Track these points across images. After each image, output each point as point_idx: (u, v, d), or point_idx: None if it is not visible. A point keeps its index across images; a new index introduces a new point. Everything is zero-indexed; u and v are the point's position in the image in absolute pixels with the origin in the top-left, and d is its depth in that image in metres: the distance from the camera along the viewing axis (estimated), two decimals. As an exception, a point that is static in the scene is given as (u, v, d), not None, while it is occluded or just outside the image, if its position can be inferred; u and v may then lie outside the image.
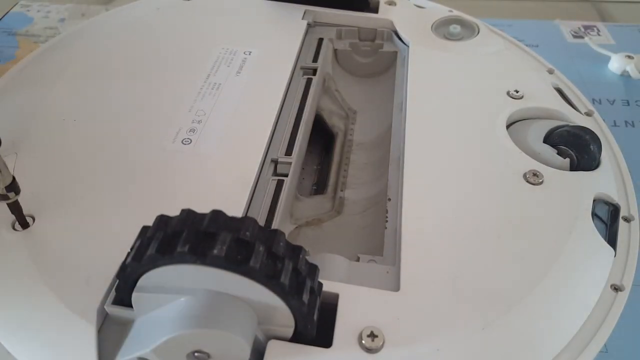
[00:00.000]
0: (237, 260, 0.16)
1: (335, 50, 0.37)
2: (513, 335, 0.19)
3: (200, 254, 0.16)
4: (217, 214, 0.17)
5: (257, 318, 0.17)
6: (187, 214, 0.17)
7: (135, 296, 0.17)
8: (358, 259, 0.23)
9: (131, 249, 0.17)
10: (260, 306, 0.17)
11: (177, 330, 0.16)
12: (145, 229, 0.17)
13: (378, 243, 0.25)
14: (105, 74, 0.29)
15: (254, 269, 0.16)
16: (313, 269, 0.18)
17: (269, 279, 0.16)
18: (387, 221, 0.24)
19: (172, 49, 0.32)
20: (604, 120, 0.31)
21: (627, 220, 0.25)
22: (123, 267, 0.17)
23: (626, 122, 0.39)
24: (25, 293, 0.19)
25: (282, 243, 0.17)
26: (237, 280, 0.16)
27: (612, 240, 0.24)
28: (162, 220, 0.17)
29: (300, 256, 0.17)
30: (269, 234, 0.17)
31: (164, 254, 0.16)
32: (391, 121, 0.31)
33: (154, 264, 0.16)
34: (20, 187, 0.22)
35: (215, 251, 0.16)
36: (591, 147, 0.25)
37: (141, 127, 0.26)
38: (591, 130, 0.26)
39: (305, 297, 0.17)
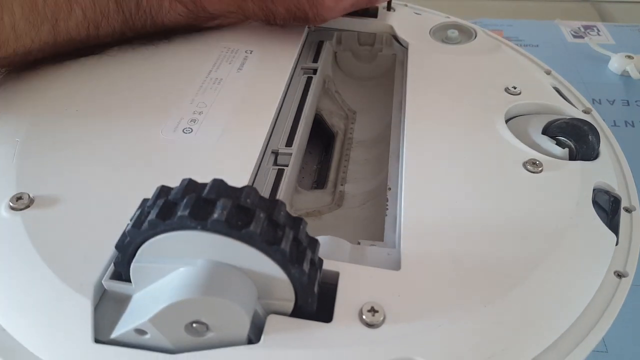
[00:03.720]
0: (237, 225, 0.16)
1: (335, 54, 0.37)
2: (516, 314, 0.19)
3: (200, 219, 0.16)
4: (218, 182, 0.17)
5: (257, 291, 0.17)
6: (188, 182, 0.17)
7: (134, 267, 0.17)
8: (359, 244, 0.23)
9: (131, 219, 0.17)
10: (261, 278, 0.17)
11: (176, 297, 0.16)
12: (145, 200, 0.17)
13: (378, 233, 0.25)
14: (107, 68, 0.30)
15: (254, 234, 0.16)
16: (313, 242, 0.18)
17: (269, 245, 0.16)
18: (387, 209, 0.24)
19: (174, 47, 0.32)
20: (603, 120, 0.31)
21: (628, 210, 0.25)
22: (122, 237, 0.17)
23: (626, 122, 0.39)
24: (21, 267, 0.19)
25: (283, 212, 0.17)
26: (237, 249, 0.16)
27: (614, 230, 0.24)
28: (162, 189, 0.17)
29: (301, 227, 0.17)
30: (270, 203, 0.17)
31: (164, 219, 0.16)
32: (391, 120, 0.31)
33: (154, 230, 0.16)
34: (21, 170, 0.22)
35: (215, 215, 0.15)
36: (589, 137, 0.25)
37: (142, 116, 0.26)
38: (589, 122, 0.26)
39: (306, 267, 0.17)
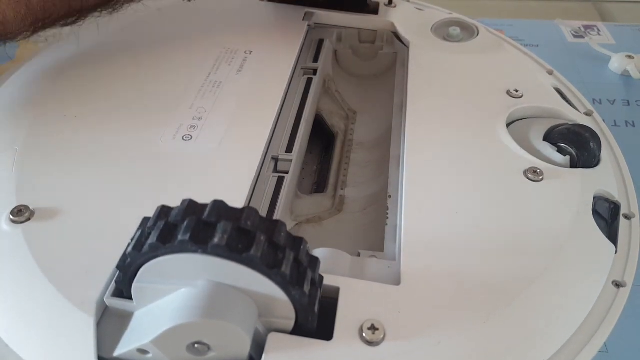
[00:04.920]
0: (238, 249, 0.16)
1: (335, 52, 0.37)
2: (515, 328, 0.19)
3: (201, 243, 0.16)
4: (218, 204, 0.17)
5: (257, 310, 0.17)
6: (188, 204, 0.17)
7: (135, 287, 0.17)
8: (359, 255, 0.23)
9: (132, 239, 0.17)
10: (261, 298, 0.17)
11: (177, 320, 0.16)
12: (146, 220, 0.17)
13: (379, 240, 0.25)
14: (106, 72, 0.30)
15: (255, 258, 0.16)
16: (314, 261, 0.18)
17: (270, 269, 0.16)
18: (387, 217, 0.24)
19: (173, 49, 0.32)
20: (604, 120, 0.31)
21: (627, 217, 0.25)
22: (123, 258, 0.17)
23: (626, 122, 0.39)
24: (23, 284, 0.19)
25: (284, 233, 0.17)
26: (238, 271, 0.16)
27: (613, 237, 0.24)
28: (162, 210, 0.17)
29: (302, 247, 0.17)
30: (270, 224, 0.17)
31: (164, 242, 0.16)
32: (391, 121, 0.31)
33: (154, 253, 0.16)
34: (21, 181, 0.22)
35: (216, 240, 0.15)
36: (591, 144, 0.25)
37: (141, 124, 0.26)
38: (591, 128, 0.26)
39: (307, 288, 0.17)
